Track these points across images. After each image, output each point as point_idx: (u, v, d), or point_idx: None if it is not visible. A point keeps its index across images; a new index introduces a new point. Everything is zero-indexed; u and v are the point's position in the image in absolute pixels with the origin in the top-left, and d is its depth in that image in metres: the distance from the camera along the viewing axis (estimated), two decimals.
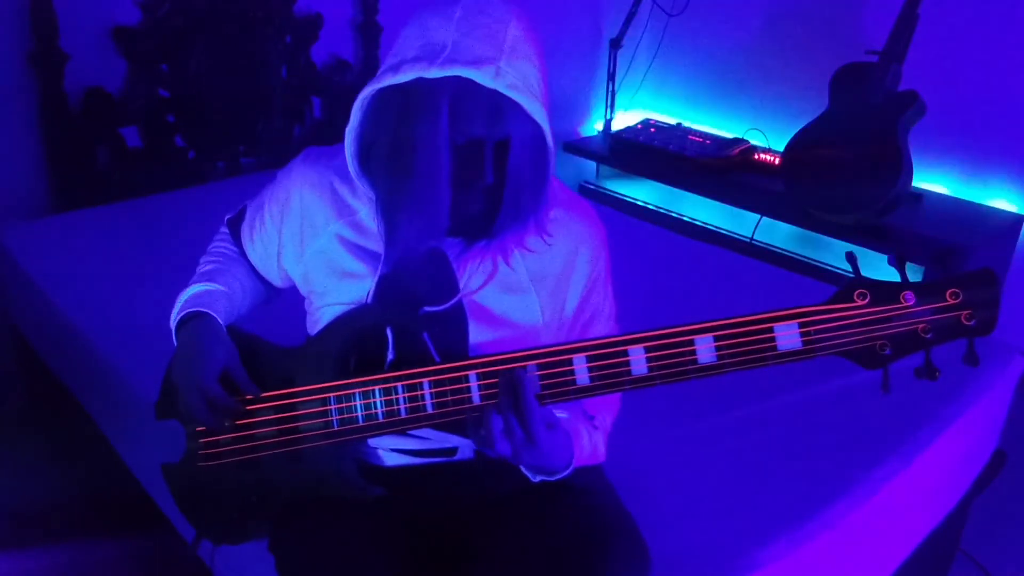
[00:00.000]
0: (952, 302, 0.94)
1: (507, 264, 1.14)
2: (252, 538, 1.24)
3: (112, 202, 2.35)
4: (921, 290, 0.95)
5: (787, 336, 0.97)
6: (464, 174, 1.03)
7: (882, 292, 0.96)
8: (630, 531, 1.12)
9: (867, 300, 0.96)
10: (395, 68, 1.00)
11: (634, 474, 1.29)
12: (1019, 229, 2.73)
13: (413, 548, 1.15)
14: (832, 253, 2.80)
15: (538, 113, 1.01)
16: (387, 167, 1.07)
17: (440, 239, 1.11)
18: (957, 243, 2.52)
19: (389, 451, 1.20)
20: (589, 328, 1.21)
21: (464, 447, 1.19)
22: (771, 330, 0.98)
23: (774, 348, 0.98)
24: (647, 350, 1.00)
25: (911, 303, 0.95)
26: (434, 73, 0.97)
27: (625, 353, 1.01)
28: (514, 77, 0.98)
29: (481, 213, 1.08)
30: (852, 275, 0.99)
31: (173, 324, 1.21)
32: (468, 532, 1.16)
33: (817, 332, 0.97)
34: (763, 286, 2.17)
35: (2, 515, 2.03)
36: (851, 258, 0.99)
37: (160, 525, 1.61)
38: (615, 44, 3.37)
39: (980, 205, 2.79)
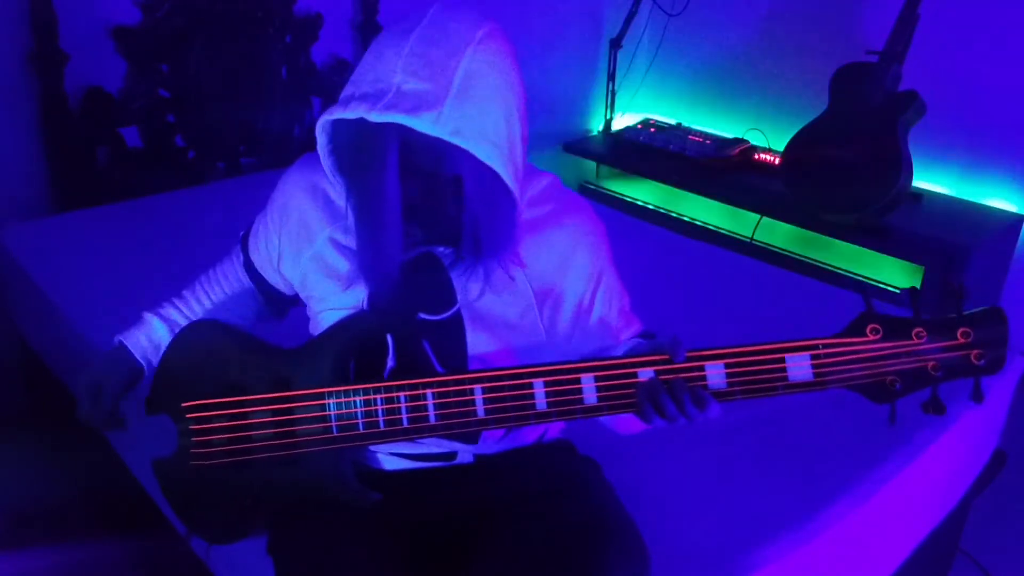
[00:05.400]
0: (963, 341, 0.95)
1: (506, 273, 1.13)
2: (245, 538, 1.23)
3: (112, 202, 2.35)
4: (933, 327, 0.96)
5: (798, 367, 0.98)
6: (424, 202, 1.04)
7: (894, 327, 0.97)
8: (629, 531, 1.12)
9: (879, 335, 0.97)
10: (345, 102, 0.99)
11: (634, 473, 1.29)
12: (1019, 229, 2.73)
13: (413, 552, 1.15)
14: (832, 253, 2.79)
15: (489, 155, 0.98)
16: (348, 189, 1.08)
17: (394, 265, 1.09)
18: (957, 243, 2.52)
19: (388, 455, 1.20)
20: (606, 329, 1.20)
21: (463, 451, 1.19)
22: (783, 360, 0.98)
23: (785, 378, 0.99)
24: (657, 373, 1.01)
25: (923, 340, 0.96)
26: (375, 117, 0.96)
27: (635, 375, 1.01)
28: (459, 121, 0.96)
29: (453, 235, 1.09)
30: (860, 305, 1.00)
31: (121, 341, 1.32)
32: (467, 535, 1.16)
33: (829, 365, 0.98)
34: (763, 286, 2.17)
35: (2, 515, 2.03)
36: (864, 293, 1.00)
37: (160, 525, 1.60)
38: (615, 44, 3.37)
39: (980, 205, 2.79)
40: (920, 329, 0.96)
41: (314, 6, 2.68)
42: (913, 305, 0.98)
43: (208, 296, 1.35)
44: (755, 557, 1.27)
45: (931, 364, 0.96)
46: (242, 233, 1.35)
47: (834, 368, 0.97)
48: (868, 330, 0.97)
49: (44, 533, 2.00)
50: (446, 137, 0.96)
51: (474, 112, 0.97)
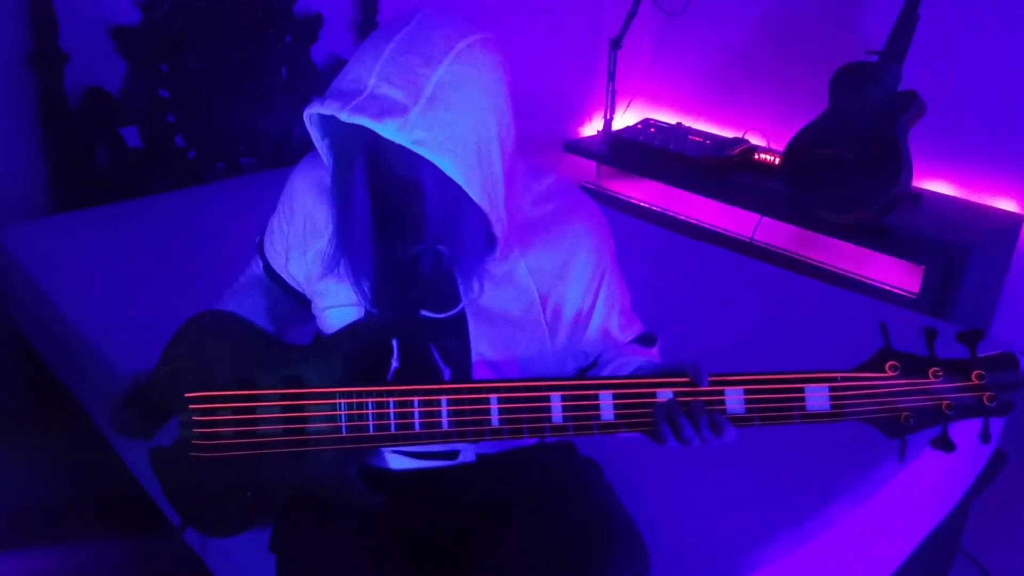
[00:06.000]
0: (976, 383, 0.98)
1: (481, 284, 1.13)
2: (242, 532, 1.23)
3: (112, 202, 2.35)
4: (949, 368, 0.99)
5: (817, 398, 1.01)
6: (393, 203, 1.06)
7: (912, 365, 1.00)
8: (630, 531, 1.12)
9: (898, 372, 1.00)
10: (323, 99, 1.01)
11: (634, 474, 1.29)
12: (1019, 229, 2.73)
13: (415, 550, 1.15)
14: (832, 253, 2.79)
15: (453, 167, 0.98)
16: (331, 181, 1.09)
17: (366, 258, 1.11)
18: (957, 243, 2.52)
19: (393, 453, 1.20)
20: (607, 336, 1.21)
21: (465, 451, 1.19)
22: (802, 390, 1.01)
23: (803, 408, 1.01)
24: (676, 395, 1.02)
25: (939, 380, 0.99)
26: (345, 117, 0.97)
27: (653, 395, 1.03)
28: (424, 131, 0.96)
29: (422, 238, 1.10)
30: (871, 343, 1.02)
31: None
32: (469, 534, 1.16)
33: (847, 397, 1.00)
34: (763, 286, 2.17)
35: (2, 515, 2.03)
36: (882, 327, 1.02)
37: (159, 524, 1.61)
38: (615, 44, 3.37)
39: (980, 205, 2.79)
40: (937, 369, 0.99)
41: (314, 6, 2.68)
42: (929, 345, 1.01)
43: (239, 308, 1.31)
44: (755, 557, 1.27)
45: (945, 403, 0.99)
46: (257, 239, 1.35)
47: (852, 401, 1.00)
48: (887, 366, 1.00)
49: (43, 532, 2.00)
50: (408, 145, 0.96)
51: (441, 123, 0.97)
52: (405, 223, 1.08)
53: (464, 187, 1.00)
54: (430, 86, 0.97)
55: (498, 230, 1.06)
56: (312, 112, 1.03)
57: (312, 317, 1.29)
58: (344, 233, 1.09)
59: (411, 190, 1.03)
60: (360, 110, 0.96)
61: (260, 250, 1.33)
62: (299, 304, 1.30)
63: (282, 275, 1.29)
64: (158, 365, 1.25)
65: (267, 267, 1.32)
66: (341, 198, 1.07)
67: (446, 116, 0.97)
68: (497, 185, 1.04)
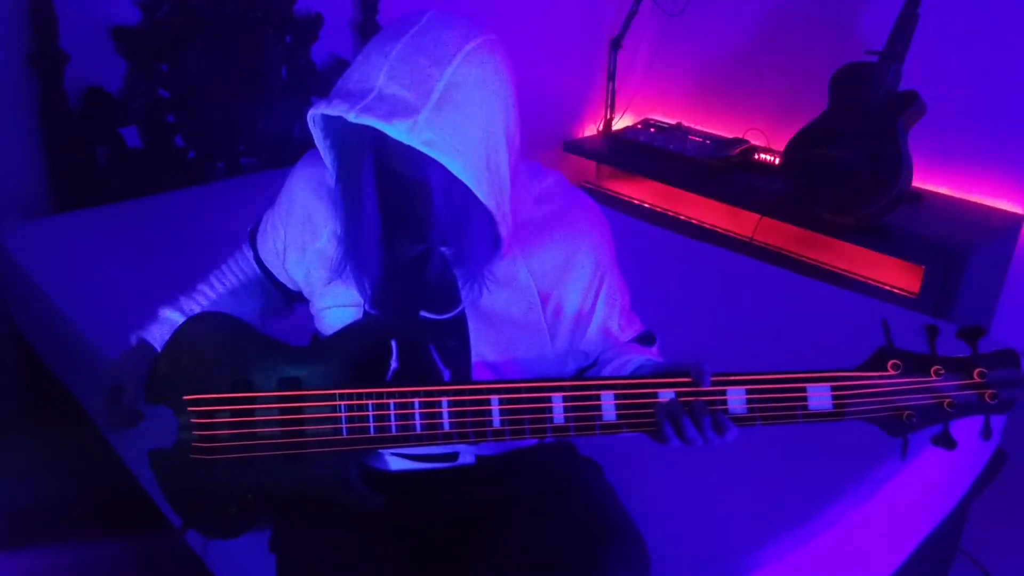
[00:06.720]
0: (978, 380, 0.98)
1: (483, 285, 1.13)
2: (243, 534, 1.22)
3: (112, 202, 2.35)
4: (950, 365, 0.99)
5: (819, 397, 1.01)
6: (400, 204, 1.06)
7: (914, 364, 1.00)
8: (630, 531, 1.12)
9: (900, 371, 1.00)
10: (329, 100, 1.00)
11: (634, 474, 1.29)
12: (1019, 229, 2.73)
13: (415, 551, 1.15)
14: (832, 253, 2.79)
15: (461, 169, 0.98)
16: (336, 182, 1.09)
17: (374, 259, 1.11)
18: (957, 243, 2.52)
19: (392, 455, 1.20)
20: (607, 336, 1.21)
21: (464, 452, 1.19)
22: (804, 389, 1.01)
23: (805, 407, 1.01)
24: (678, 395, 1.02)
25: (941, 378, 0.99)
26: (352, 118, 0.96)
27: (655, 395, 1.03)
28: (434, 132, 0.96)
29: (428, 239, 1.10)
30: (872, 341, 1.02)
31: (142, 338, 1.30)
32: (469, 535, 1.16)
33: (849, 396, 1.00)
34: (763, 286, 2.17)
35: (2, 515, 2.03)
36: (884, 326, 1.02)
37: (159, 524, 1.61)
38: (615, 44, 3.37)
39: (980, 205, 2.79)
40: (939, 367, 0.99)
41: (314, 6, 2.68)
42: (931, 342, 1.01)
43: (222, 289, 1.34)
44: (755, 557, 1.27)
45: (947, 401, 0.99)
46: (249, 228, 1.35)
47: (854, 400, 1.00)
48: (889, 365, 1.00)
49: (43, 532, 2.00)
50: (418, 146, 0.96)
51: (451, 124, 0.97)
52: (410, 223, 1.08)
53: (473, 188, 0.99)
54: (440, 87, 0.97)
55: (504, 231, 1.06)
56: (317, 113, 1.02)
57: (293, 310, 1.31)
58: (352, 234, 1.09)
59: (417, 190, 1.03)
60: (368, 111, 0.96)
61: (252, 240, 1.33)
62: (287, 299, 1.32)
63: (273, 271, 1.30)
64: (152, 368, 1.25)
65: (258, 259, 1.32)
66: (348, 199, 1.07)
67: (456, 117, 0.97)
68: (504, 186, 1.04)
